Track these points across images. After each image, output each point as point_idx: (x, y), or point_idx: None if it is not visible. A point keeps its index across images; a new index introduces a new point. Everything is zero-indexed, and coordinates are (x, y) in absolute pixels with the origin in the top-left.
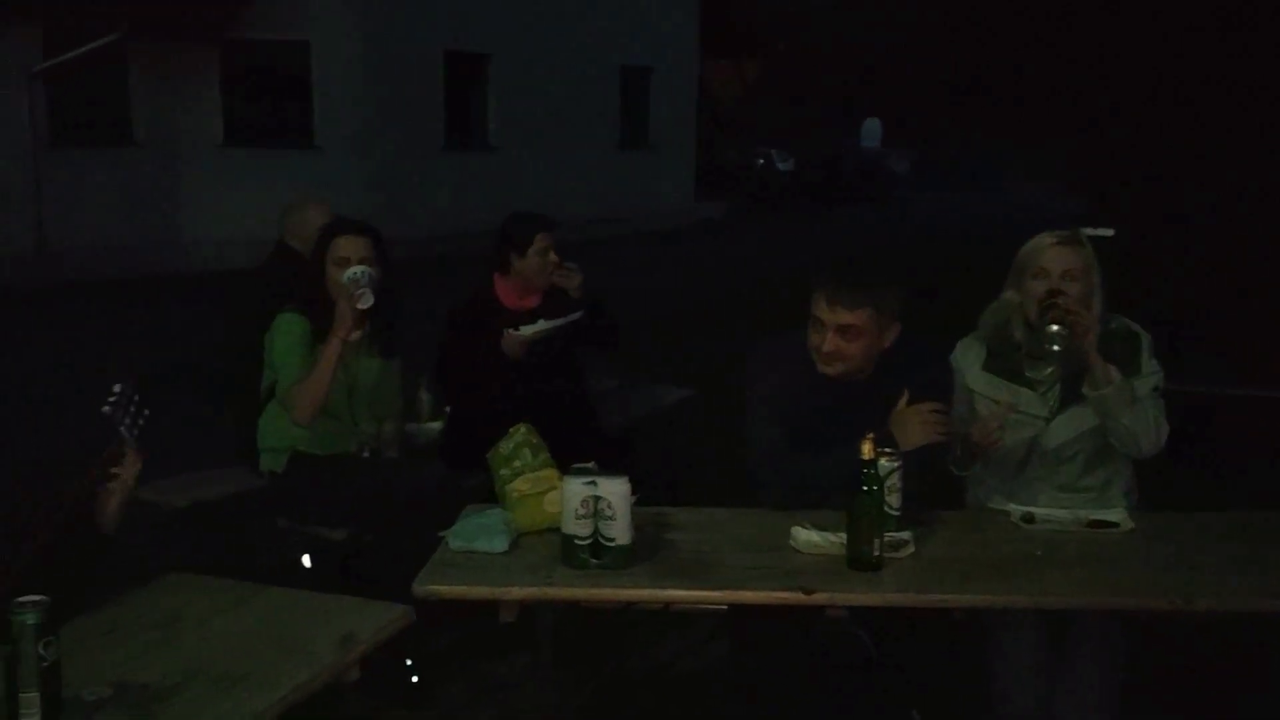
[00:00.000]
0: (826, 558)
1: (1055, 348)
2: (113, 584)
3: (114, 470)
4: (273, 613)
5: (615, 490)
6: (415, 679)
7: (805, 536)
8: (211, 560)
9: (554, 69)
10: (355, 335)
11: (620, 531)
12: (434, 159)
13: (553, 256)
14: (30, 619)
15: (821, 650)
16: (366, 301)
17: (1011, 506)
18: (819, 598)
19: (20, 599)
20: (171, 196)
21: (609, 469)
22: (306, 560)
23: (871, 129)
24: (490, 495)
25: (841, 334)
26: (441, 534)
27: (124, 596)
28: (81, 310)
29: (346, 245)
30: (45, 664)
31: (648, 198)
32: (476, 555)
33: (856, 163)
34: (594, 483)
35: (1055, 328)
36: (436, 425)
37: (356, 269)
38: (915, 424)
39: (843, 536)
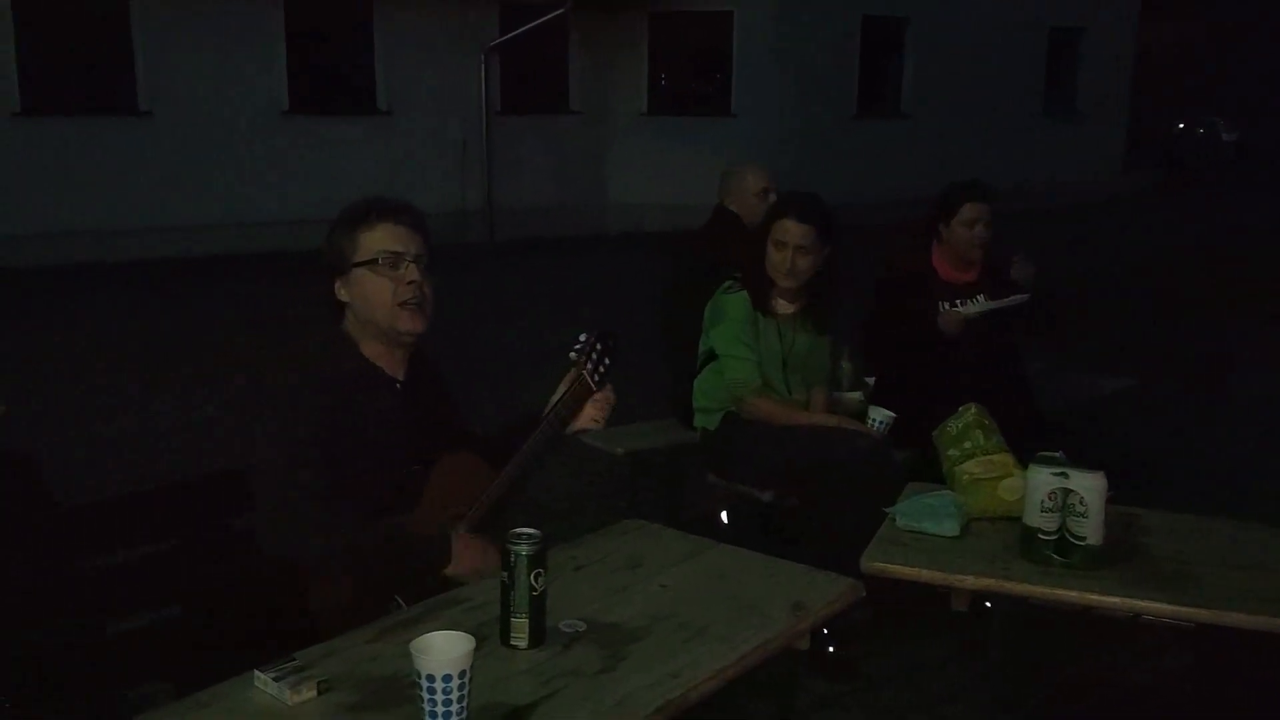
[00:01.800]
0: None
1: None
2: (564, 521)
3: (580, 409)
4: (724, 569)
5: (1090, 485)
6: (831, 649)
7: None
8: (640, 506)
9: (976, 32)
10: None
11: (1092, 530)
12: (845, 126)
13: (978, 230)
14: (525, 550)
15: None
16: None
17: None
18: None
19: (517, 530)
20: (598, 161)
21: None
22: (724, 516)
23: None
24: (921, 470)
25: None
26: (887, 510)
27: (589, 537)
28: (523, 265)
29: (791, 231)
30: (535, 593)
31: (1071, 168)
32: (924, 537)
33: None
34: (1065, 474)
35: None
36: (856, 395)
37: (882, 419)
38: None
39: None
